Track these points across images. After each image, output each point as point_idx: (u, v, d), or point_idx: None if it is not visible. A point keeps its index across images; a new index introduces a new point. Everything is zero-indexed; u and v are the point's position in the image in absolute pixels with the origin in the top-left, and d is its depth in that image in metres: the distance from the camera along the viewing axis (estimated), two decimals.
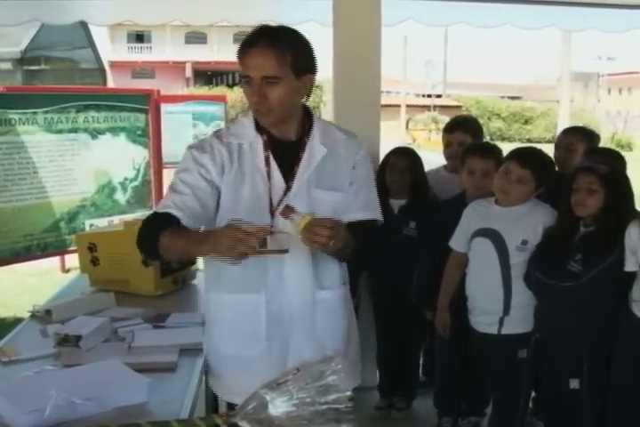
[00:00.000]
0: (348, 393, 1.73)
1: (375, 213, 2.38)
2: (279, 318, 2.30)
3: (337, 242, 2.02)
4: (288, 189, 2.28)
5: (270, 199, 2.28)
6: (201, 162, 2.27)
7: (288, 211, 2.06)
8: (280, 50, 2.15)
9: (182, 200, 2.23)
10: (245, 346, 2.33)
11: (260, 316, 2.30)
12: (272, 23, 2.38)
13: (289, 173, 2.30)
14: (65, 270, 7.22)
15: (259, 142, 2.30)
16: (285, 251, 2.01)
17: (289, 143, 2.32)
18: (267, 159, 2.29)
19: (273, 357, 2.31)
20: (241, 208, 2.26)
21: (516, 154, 3.29)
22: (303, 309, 2.31)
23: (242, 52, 2.19)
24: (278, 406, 1.70)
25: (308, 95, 2.31)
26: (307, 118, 2.36)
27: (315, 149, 2.32)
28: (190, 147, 2.35)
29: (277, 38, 2.16)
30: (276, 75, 2.16)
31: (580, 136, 3.98)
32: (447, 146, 4.08)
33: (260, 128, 2.31)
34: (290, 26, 2.32)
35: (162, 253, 2.20)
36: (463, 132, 4.03)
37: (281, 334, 2.31)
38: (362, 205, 2.35)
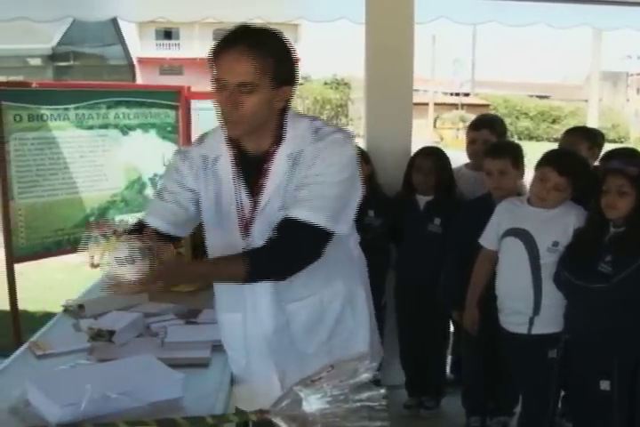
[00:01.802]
0: (382, 391, 1.72)
1: (306, 212, 2.03)
2: (256, 335, 2.29)
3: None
4: (255, 205, 2.16)
5: (239, 218, 2.18)
6: (180, 169, 2.23)
7: (102, 226, 1.82)
8: (262, 55, 1.94)
9: (164, 207, 2.23)
10: (232, 362, 2.37)
11: (238, 334, 2.32)
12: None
13: (256, 189, 2.16)
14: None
15: (227, 156, 2.18)
16: None
17: (254, 157, 2.15)
18: (235, 175, 2.17)
19: (254, 373, 2.32)
20: (214, 224, 2.23)
21: (552, 160, 3.24)
22: (277, 323, 2.27)
23: (216, 53, 1.97)
24: (312, 403, 1.71)
25: (284, 107, 2.12)
26: (280, 127, 2.14)
27: (281, 162, 2.12)
28: (176, 152, 2.33)
29: (260, 41, 1.96)
30: (253, 82, 1.96)
31: (582, 135, 4.05)
32: (471, 143, 4.10)
33: (230, 140, 2.17)
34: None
35: None
36: (490, 131, 4.05)
37: (260, 350, 2.30)
38: (292, 203, 2.07)
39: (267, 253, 2.01)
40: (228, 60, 1.95)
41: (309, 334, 2.31)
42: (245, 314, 2.28)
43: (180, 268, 1.98)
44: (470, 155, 4.12)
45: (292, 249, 2.02)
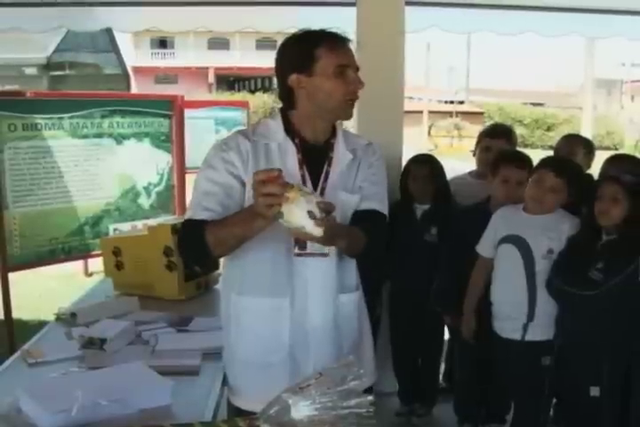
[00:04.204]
0: (370, 398, 1.73)
1: (382, 207, 2.37)
2: (302, 323, 2.27)
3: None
4: (322, 190, 2.27)
5: None
6: (227, 159, 2.23)
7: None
8: None
9: (214, 200, 2.20)
10: (267, 352, 2.28)
11: (283, 321, 2.27)
12: (294, 30, 2.42)
13: (317, 176, 2.29)
14: (88, 274, 7.29)
15: (289, 145, 2.27)
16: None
17: (316, 147, 2.31)
18: (300, 163, 2.27)
19: (295, 362, 2.28)
20: None
21: (549, 163, 3.30)
22: (325, 312, 2.29)
23: (340, 44, 2.25)
24: (300, 410, 1.71)
25: None
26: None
27: (341, 152, 2.33)
28: (215, 145, 2.32)
29: None
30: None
31: (580, 141, 4.16)
32: (485, 150, 4.06)
33: (289, 131, 2.29)
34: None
35: (215, 250, 2.15)
36: (506, 140, 4.06)
37: (303, 339, 2.28)
38: (370, 197, 2.35)
39: (372, 234, 2.26)
40: (349, 50, 2.27)
41: (346, 328, 2.37)
42: (293, 299, 2.26)
43: (336, 223, 2.04)
44: (481, 162, 4.08)
45: (382, 233, 2.38)
